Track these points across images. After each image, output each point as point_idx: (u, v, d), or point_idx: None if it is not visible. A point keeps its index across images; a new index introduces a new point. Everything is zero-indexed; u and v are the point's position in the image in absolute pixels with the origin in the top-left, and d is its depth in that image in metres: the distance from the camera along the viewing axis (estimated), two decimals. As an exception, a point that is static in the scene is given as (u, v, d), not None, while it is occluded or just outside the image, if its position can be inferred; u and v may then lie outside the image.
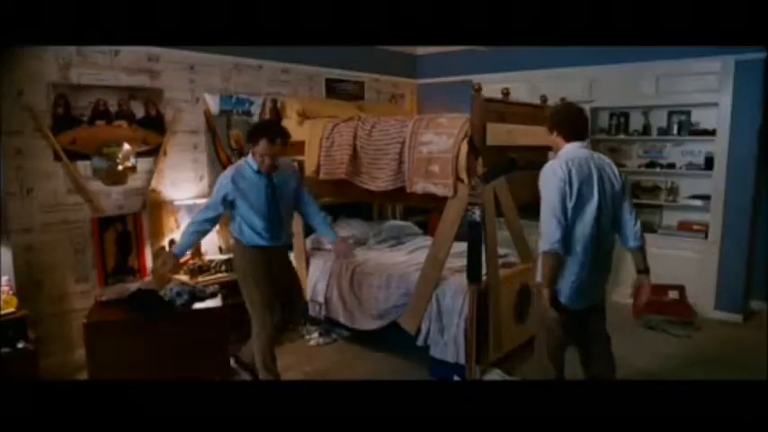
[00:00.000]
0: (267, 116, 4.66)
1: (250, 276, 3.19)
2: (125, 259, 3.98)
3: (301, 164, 4.24)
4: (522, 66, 5.51)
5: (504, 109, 3.52)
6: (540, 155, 3.87)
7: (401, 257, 4.29)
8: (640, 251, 2.70)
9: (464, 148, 3.28)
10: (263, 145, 3.00)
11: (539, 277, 2.58)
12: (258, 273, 3.17)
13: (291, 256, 4.08)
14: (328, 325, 4.34)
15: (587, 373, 2.82)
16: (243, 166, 3.13)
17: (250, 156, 3.12)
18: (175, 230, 4.08)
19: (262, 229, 3.14)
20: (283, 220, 3.23)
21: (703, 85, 4.71)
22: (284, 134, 3.09)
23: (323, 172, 4.05)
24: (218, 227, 3.39)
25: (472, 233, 3.32)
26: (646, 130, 5.28)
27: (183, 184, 4.28)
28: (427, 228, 5.51)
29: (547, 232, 2.47)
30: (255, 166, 3.08)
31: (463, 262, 3.47)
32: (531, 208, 4.54)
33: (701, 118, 4.99)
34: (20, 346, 3.04)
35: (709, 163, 4.86)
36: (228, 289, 3.73)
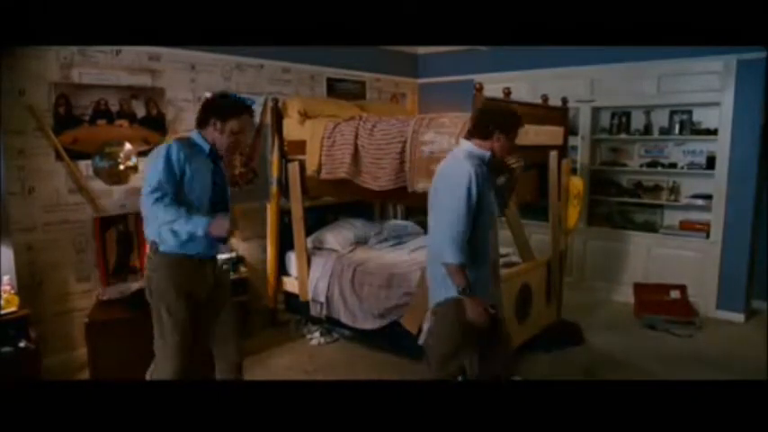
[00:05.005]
0: (268, 115, 4.65)
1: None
2: (127, 259, 3.98)
3: (302, 163, 4.25)
4: (524, 65, 5.51)
5: (506, 108, 3.51)
6: (541, 154, 3.87)
7: (403, 257, 4.29)
8: None
9: (465, 147, 3.28)
10: (236, 119, 2.51)
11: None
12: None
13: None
14: (329, 324, 4.35)
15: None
16: (187, 141, 2.54)
17: (196, 133, 2.56)
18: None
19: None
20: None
21: (705, 84, 4.70)
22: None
23: (324, 171, 4.06)
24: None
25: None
26: (647, 129, 5.27)
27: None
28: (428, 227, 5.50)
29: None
30: (207, 147, 2.55)
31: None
32: (532, 207, 4.57)
33: (703, 117, 4.98)
34: (21, 345, 3.05)
35: (710, 162, 4.86)
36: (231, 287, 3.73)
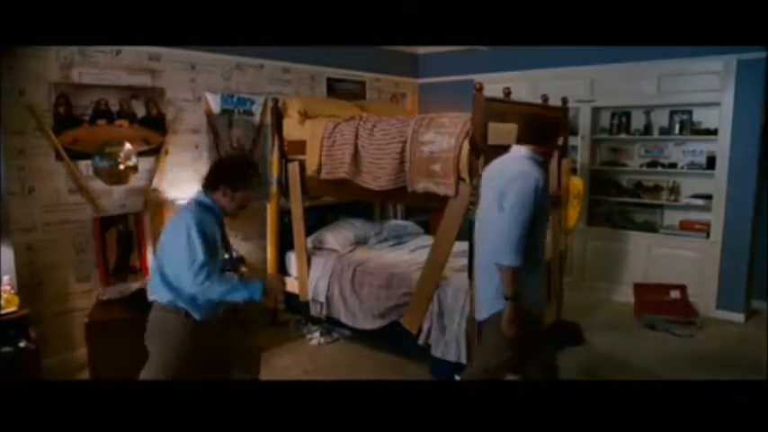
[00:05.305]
0: (268, 115, 4.65)
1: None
2: (127, 258, 3.98)
3: (302, 163, 4.25)
4: (524, 65, 5.51)
5: (506, 108, 3.51)
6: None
7: (402, 257, 4.29)
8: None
9: (465, 147, 3.28)
10: (246, 190, 2.55)
11: None
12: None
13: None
14: (329, 324, 4.34)
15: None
16: (202, 206, 2.50)
17: (204, 195, 2.53)
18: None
19: None
20: None
21: (705, 84, 4.70)
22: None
23: (324, 171, 4.06)
24: None
25: (474, 233, 3.31)
26: (647, 129, 5.27)
27: (184, 184, 4.27)
28: (428, 227, 5.51)
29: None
30: (218, 210, 2.54)
31: (464, 261, 3.47)
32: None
33: (703, 117, 4.98)
34: (21, 345, 3.05)
35: (710, 162, 4.85)
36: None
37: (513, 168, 2.49)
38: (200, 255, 2.34)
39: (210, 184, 2.52)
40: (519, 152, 2.57)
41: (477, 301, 2.72)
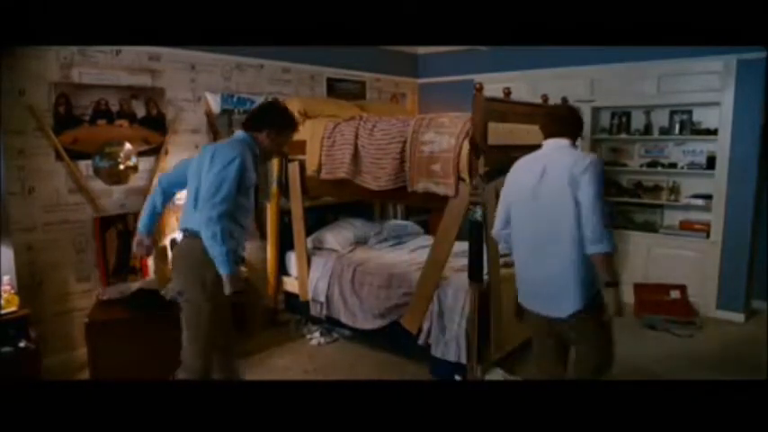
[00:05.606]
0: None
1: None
2: (127, 258, 3.98)
3: (302, 163, 4.25)
4: (524, 65, 5.51)
5: (506, 108, 3.52)
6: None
7: (402, 257, 4.29)
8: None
9: (465, 147, 3.28)
10: (287, 135, 2.75)
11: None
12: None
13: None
14: (329, 324, 4.35)
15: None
16: (246, 144, 2.62)
17: (246, 135, 2.67)
18: (177, 230, 4.08)
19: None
20: None
21: (705, 84, 4.70)
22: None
23: (324, 171, 4.06)
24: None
25: (474, 232, 3.32)
26: (647, 129, 5.27)
27: (184, 184, 4.28)
28: (428, 227, 5.52)
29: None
30: (258, 149, 2.67)
31: (464, 261, 3.48)
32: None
33: (703, 117, 4.98)
34: (21, 345, 3.04)
35: (710, 162, 4.85)
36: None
37: (578, 159, 2.38)
38: (225, 191, 2.43)
39: (256, 125, 2.66)
40: (561, 143, 2.49)
41: (554, 299, 2.50)
